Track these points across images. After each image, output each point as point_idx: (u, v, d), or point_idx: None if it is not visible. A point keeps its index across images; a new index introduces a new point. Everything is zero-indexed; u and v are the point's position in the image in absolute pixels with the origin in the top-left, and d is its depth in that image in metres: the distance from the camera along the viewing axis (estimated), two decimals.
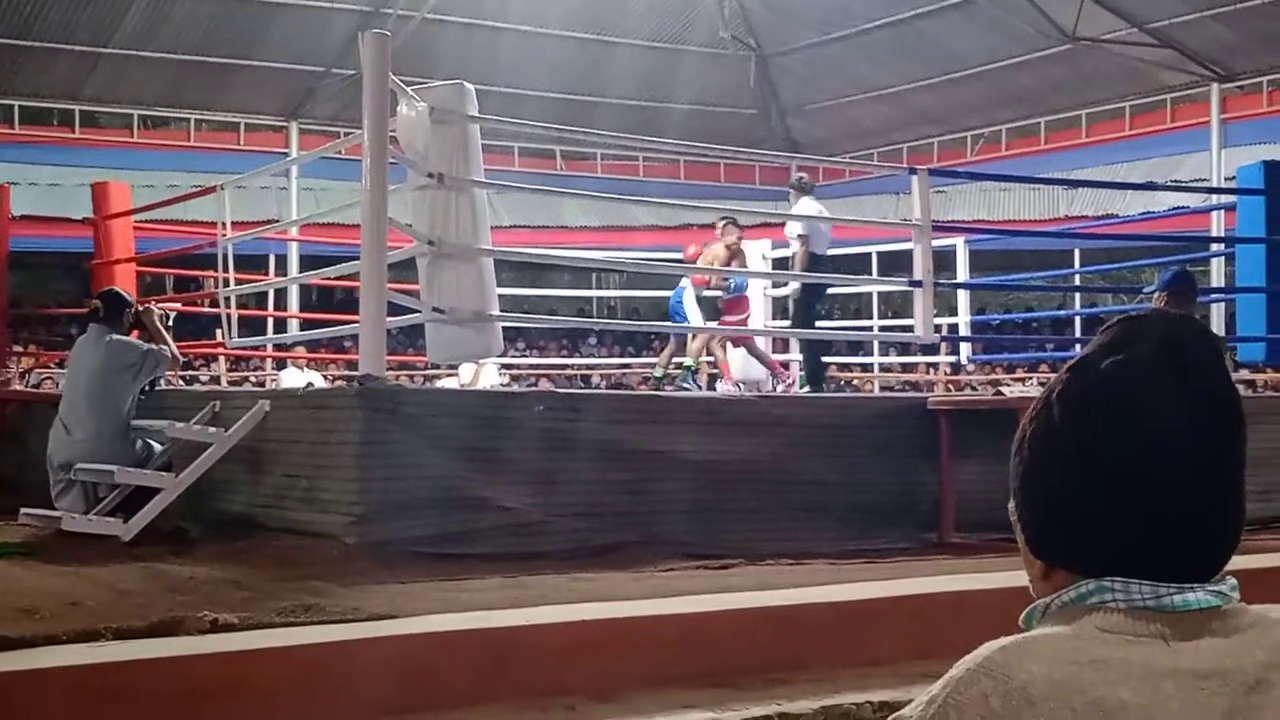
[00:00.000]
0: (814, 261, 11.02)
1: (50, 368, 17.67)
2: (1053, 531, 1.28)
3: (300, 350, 15.68)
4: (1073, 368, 1.30)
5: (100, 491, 6.99)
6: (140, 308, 7.73)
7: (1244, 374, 15.76)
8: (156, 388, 7.55)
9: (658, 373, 12.61)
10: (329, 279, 12.62)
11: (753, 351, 12.92)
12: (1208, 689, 1.15)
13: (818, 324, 11.92)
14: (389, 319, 6.77)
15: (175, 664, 3.89)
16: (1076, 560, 1.25)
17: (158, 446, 7.13)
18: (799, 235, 11.22)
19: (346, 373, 15.91)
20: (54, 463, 7.11)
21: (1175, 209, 18.34)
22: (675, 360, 12.53)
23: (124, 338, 7.37)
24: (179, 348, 7.88)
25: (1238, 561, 1.27)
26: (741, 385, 13.13)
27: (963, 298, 13.99)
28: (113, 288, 8.35)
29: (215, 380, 17.10)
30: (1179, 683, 1.15)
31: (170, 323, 7.82)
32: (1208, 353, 1.27)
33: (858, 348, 20.45)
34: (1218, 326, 16.21)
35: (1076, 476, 1.25)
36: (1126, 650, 1.17)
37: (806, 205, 11.72)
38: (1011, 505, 1.33)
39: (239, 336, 10.82)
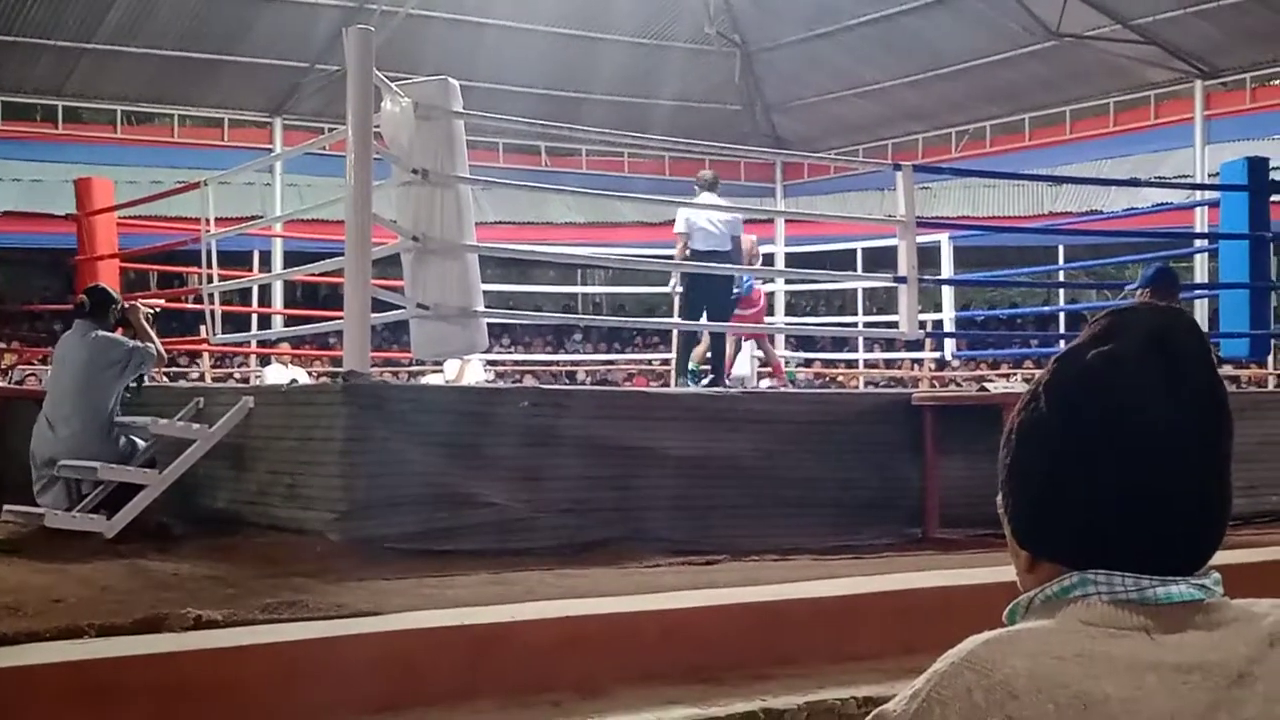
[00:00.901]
0: (695, 259, 11.09)
1: (34, 364, 17.64)
2: (1037, 523, 1.28)
3: (284, 346, 15.67)
4: (1060, 359, 1.30)
5: (83, 488, 6.97)
6: (126, 304, 7.70)
7: (1228, 369, 15.80)
8: (143, 385, 7.52)
9: (693, 367, 12.58)
10: (313, 275, 12.60)
11: (762, 347, 12.96)
12: (1190, 682, 1.15)
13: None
14: (373, 315, 6.76)
15: (159, 661, 3.87)
16: (1061, 552, 1.26)
17: (141, 443, 7.11)
18: (679, 233, 11.31)
19: (331, 369, 15.89)
20: (37, 459, 7.08)
21: (1159, 205, 18.36)
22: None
23: (109, 334, 7.34)
24: (163, 344, 7.86)
25: (1223, 556, 1.27)
26: (728, 381, 13.14)
27: (947, 294, 14.02)
28: (99, 284, 8.32)
29: (199, 377, 17.07)
30: (1162, 676, 1.15)
31: (155, 320, 7.80)
32: (1195, 346, 1.27)
33: (843, 344, 20.49)
34: (1201, 322, 16.25)
35: (1061, 468, 1.25)
36: (1109, 643, 1.17)
37: (703, 201, 11.69)
38: (999, 497, 1.33)
39: (223, 333, 10.79)
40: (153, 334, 7.53)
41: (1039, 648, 1.16)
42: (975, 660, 1.17)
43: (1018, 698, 1.13)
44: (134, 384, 7.37)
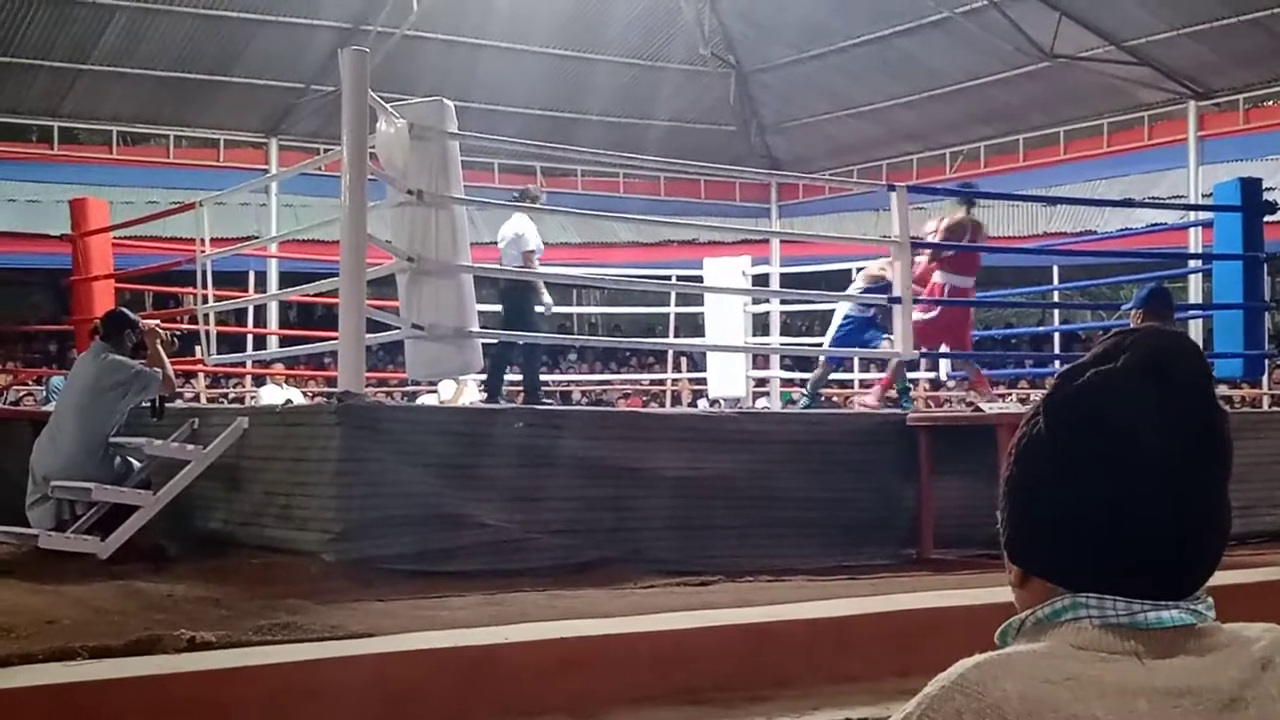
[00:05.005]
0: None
1: (28, 385, 17.61)
2: (1030, 540, 1.28)
3: (279, 367, 15.66)
4: (1061, 377, 1.30)
5: (78, 508, 6.97)
6: (145, 327, 7.66)
7: (1222, 389, 15.80)
8: (164, 410, 7.51)
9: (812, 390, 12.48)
10: (308, 295, 12.60)
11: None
12: (1181, 707, 1.15)
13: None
14: (368, 336, 6.77)
15: (152, 683, 3.87)
16: (1053, 570, 1.25)
17: (136, 464, 7.11)
18: (533, 249, 11.41)
19: (326, 390, 15.87)
20: (36, 474, 7.12)
21: (1153, 225, 18.38)
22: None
23: (118, 357, 7.35)
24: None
25: (1217, 576, 1.27)
26: (721, 401, 13.16)
27: None
28: (118, 308, 8.42)
29: (194, 397, 17.05)
30: (1152, 701, 1.14)
31: (175, 346, 7.81)
32: (1193, 370, 1.26)
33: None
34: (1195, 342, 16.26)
35: (1054, 486, 1.25)
36: (1100, 668, 1.16)
37: (518, 219, 11.58)
38: (999, 512, 1.33)
39: (218, 353, 10.78)
40: (165, 359, 7.51)
41: (1030, 671, 1.16)
42: (966, 683, 1.17)
43: None
44: (158, 406, 7.39)
